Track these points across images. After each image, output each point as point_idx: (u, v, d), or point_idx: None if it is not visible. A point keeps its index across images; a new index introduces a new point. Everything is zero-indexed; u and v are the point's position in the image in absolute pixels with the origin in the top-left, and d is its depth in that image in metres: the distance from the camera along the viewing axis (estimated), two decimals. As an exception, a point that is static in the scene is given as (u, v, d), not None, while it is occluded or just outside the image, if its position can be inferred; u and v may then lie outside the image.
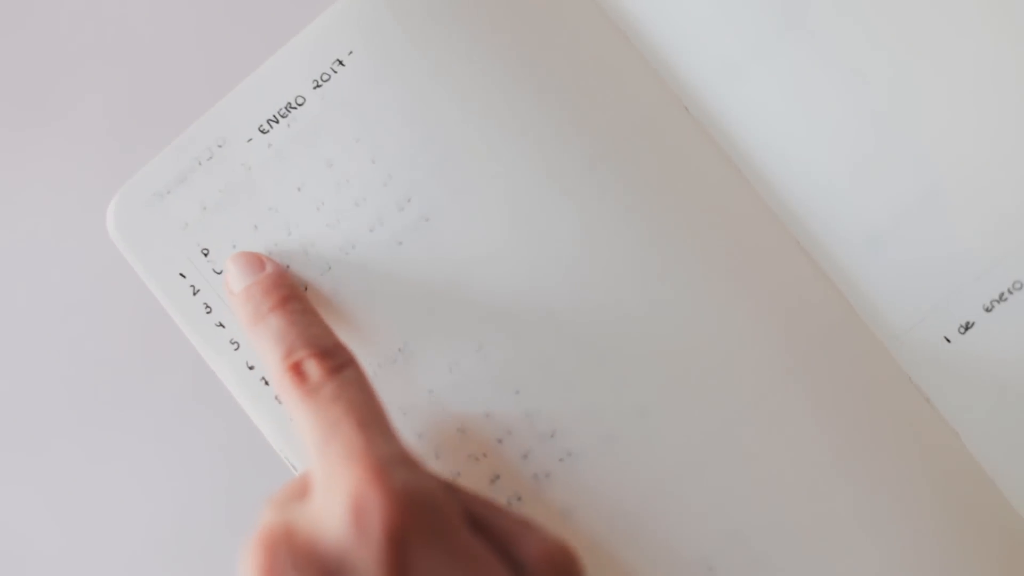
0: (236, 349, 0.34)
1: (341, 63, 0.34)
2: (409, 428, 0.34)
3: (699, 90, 0.35)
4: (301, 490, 0.29)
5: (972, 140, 0.33)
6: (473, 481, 0.34)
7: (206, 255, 0.35)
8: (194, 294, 0.35)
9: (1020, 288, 0.33)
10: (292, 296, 0.32)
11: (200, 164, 0.35)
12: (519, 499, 0.34)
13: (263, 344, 0.31)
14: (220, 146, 0.35)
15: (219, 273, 0.35)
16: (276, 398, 0.34)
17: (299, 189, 0.35)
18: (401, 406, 0.34)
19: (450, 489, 0.29)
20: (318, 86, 0.35)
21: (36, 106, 0.48)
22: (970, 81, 0.33)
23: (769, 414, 0.34)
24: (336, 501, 0.27)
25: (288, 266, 0.34)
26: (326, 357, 0.30)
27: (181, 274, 0.35)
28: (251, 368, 0.35)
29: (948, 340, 0.34)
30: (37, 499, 0.48)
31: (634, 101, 0.35)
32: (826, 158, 0.34)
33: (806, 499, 0.34)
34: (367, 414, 0.29)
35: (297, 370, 0.30)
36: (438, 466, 0.34)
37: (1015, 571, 0.34)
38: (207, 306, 0.35)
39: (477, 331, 0.34)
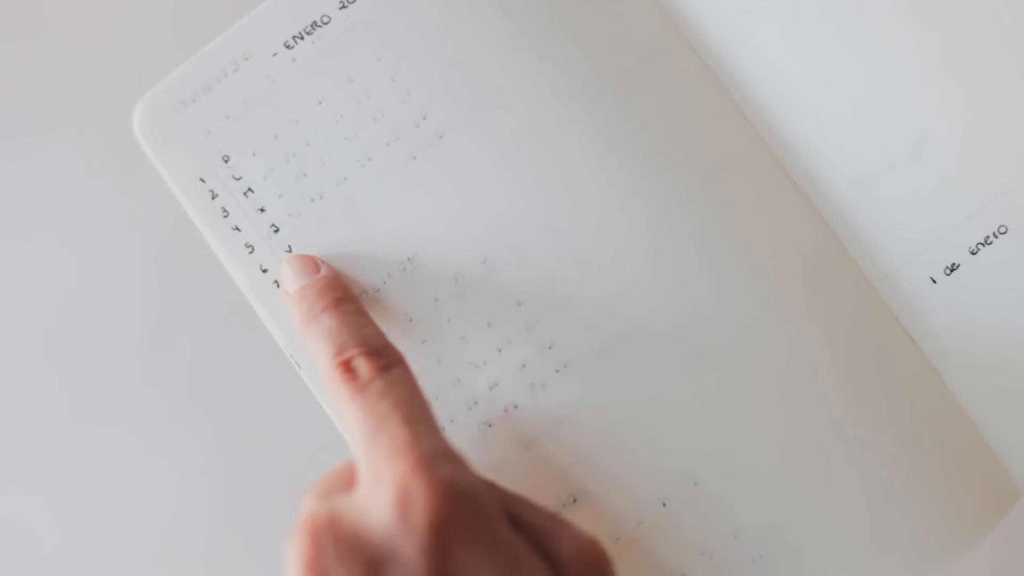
0: (251, 252, 0.36)
1: None
2: (414, 335, 0.35)
3: (706, 31, 0.36)
4: (346, 481, 0.30)
5: (964, 89, 0.35)
6: (472, 389, 0.35)
7: (226, 161, 0.36)
8: (213, 198, 0.36)
9: (1005, 232, 0.35)
10: (345, 297, 0.34)
11: (226, 75, 0.36)
12: (516, 407, 0.35)
13: (315, 342, 0.33)
14: (246, 59, 0.36)
15: (238, 180, 0.36)
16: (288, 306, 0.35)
17: (320, 103, 0.36)
18: (407, 312, 0.35)
19: (491, 486, 0.30)
20: (343, 7, 0.36)
21: (37, 108, 0.49)
22: (964, 32, 0.35)
23: (754, 343, 0.35)
24: (382, 493, 0.28)
25: (305, 175, 0.36)
26: (376, 356, 0.32)
27: (201, 179, 0.36)
28: (264, 271, 0.36)
29: (934, 281, 0.36)
30: (36, 500, 0.48)
31: (641, 38, 0.37)
32: (825, 100, 0.35)
33: (786, 423, 0.35)
34: (414, 411, 0.30)
35: (347, 367, 0.31)
36: (440, 371, 0.35)
37: (990, 509, 0.36)
38: (224, 210, 0.36)
39: (482, 245, 0.35)
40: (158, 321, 0.48)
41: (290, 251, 0.35)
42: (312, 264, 0.34)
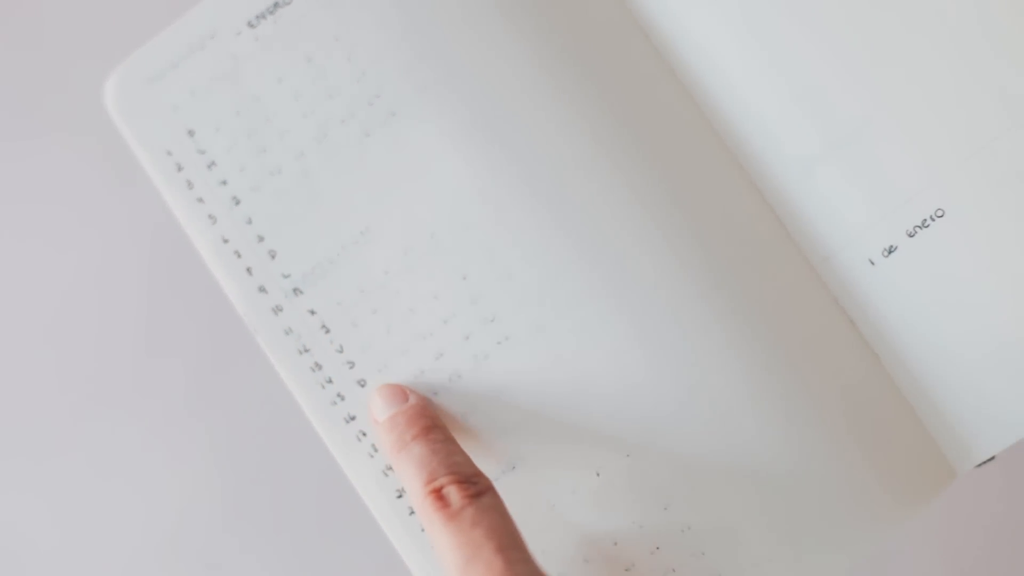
0: (213, 224, 0.38)
1: None
2: (364, 305, 0.37)
3: (652, 14, 0.37)
4: None
5: (904, 73, 0.35)
6: (419, 358, 0.37)
7: (192, 136, 0.38)
8: (178, 171, 0.38)
9: (942, 216, 0.35)
10: (434, 426, 0.35)
11: (192, 52, 0.38)
12: (459, 376, 0.37)
13: (406, 470, 0.34)
14: (211, 37, 0.38)
15: (202, 153, 0.38)
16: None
17: (280, 81, 0.37)
18: (359, 284, 0.37)
19: None
20: (305, -13, 0.38)
21: (32, 112, 0.50)
22: (904, 18, 0.35)
23: (688, 319, 0.36)
24: None
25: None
26: (466, 483, 0.33)
27: (168, 152, 0.38)
28: (226, 242, 0.37)
29: (872, 263, 0.36)
30: (33, 505, 0.49)
31: (598, 18, 0.38)
32: (766, 84, 0.36)
33: (719, 400, 0.36)
34: (506, 537, 0.32)
35: (439, 495, 0.33)
36: (389, 341, 0.37)
37: (924, 489, 0.36)
38: (189, 183, 0.38)
39: (430, 220, 0.37)
40: (154, 328, 0.49)
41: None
42: (401, 393, 0.36)
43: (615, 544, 0.36)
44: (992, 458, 0.36)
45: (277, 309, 0.37)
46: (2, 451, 0.48)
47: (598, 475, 0.36)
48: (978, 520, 0.51)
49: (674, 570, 0.36)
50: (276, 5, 0.38)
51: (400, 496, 0.36)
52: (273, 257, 0.37)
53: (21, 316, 0.49)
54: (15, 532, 0.49)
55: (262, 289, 0.37)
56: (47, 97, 0.49)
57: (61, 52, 0.49)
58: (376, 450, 0.37)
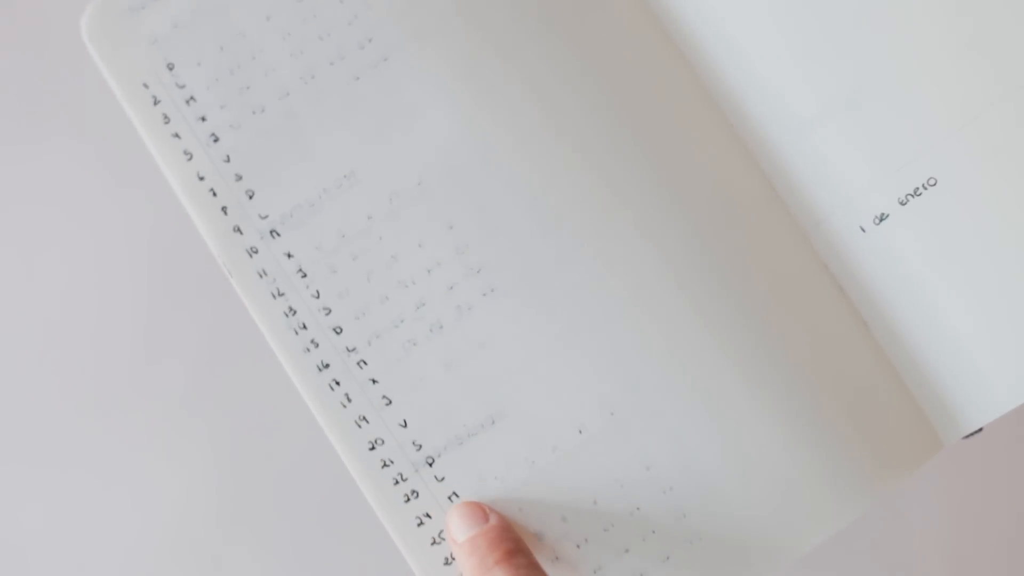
0: (189, 160, 0.36)
1: None
2: (346, 250, 0.36)
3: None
4: None
5: (902, 40, 0.35)
6: (399, 307, 0.35)
7: (171, 69, 0.36)
8: (155, 104, 0.36)
9: (934, 184, 0.35)
10: (517, 549, 0.33)
11: None
12: (440, 327, 0.35)
13: None
14: None
15: (181, 88, 0.36)
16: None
17: (268, 18, 0.36)
18: (340, 228, 0.36)
19: None
20: (298, -75, 0.37)
21: (29, 116, 0.49)
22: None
23: (679, 281, 0.35)
24: None
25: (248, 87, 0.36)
26: None
27: (144, 84, 0.36)
28: (201, 179, 0.36)
29: (863, 230, 0.36)
30: (32, 509, 0.49)
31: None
32: (766, 47, 0.36)
33: (704, 361, 0.35)
34: None
35: None
36: (368, 288, 0.35)
37: (908, 459, 0.36)
38: (166, 116, 0.36)
39: (418, 168, 0.36)
40: (153, 330, 0.49)
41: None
42: (481, 512, 0.34)
43: (595, 503, 0.35)
44: (980, 430, 0.35)
45: (252, 251, 0.36)
46: (2, 452, 0.47)
47: (580, 432, 0.35)
48: (974, 492, 0.51)
49: (654, 531, 0.35)
50: (267, -59, 0.37)
51: (386, 466, 0.35)
52: (251, 197, 0.36)
53: (20, 320, 0.48)
54: (15, 533, 0.47)
55: (237, 229, 0.36)
56: (46, 101, 0.48)
57: (61, 55, 0.48)
58: (349, 400, 0.35)
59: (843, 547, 0.50)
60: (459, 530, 0.34)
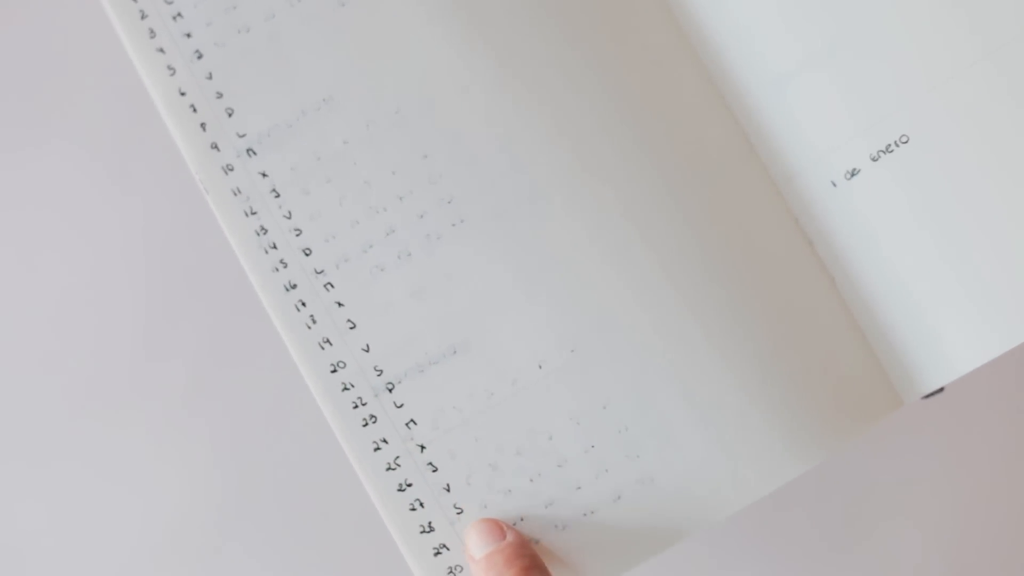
0: (172, 75, 0.36)
1: None
2: (320, 173, 0.36)
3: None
4: None
5: (884, -4, 0.35)
6: (368, 232, 0.36)
7: (160, -14, 0.37)
8: (142, 18, 0.37)
9: (906, 142, 0.35)
10: (533, 566, 0.34)
11: None
12: (409, 255, 0.36)
13: None
14: None
15: (169, 3, 0.37)
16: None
17: None
18: (315, 150, 0.36)
19: None
20: None
21: (28, 119, 0.50)
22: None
23: (649, 225, 0.36)
24: None
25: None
26: None
27: (133, -1, 0.37)
28: (183, 94, 0.36)
29: (834, 185, 0.36)
30: (33, 508, 0.49)
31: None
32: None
33: (668, 306, 0.35)
34: None
35: None
36: (340, 211, 0.36)
37: (865, 415, 0.36)
38: (152, 31, 0.36)
39: (397, 96, 0.36)
40: (153, 328, 0.49)
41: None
42: (498, 529, 0.35)
43: (550, 439, 0.35)
44: (941, 390, 0.35)
45: (228, 168, 0.36)
46: (2, 452, 0.48)
47: (540, 367, 0.35)
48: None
49: (607, 470, 0.35)
50: None
51: (346, 389, 0.35)
52: (230, 115, 0.36)
53: (20, 320, 0.49)
54: (14, 534, 0.48)
55: (214, 146, 0.36)
56: (45, 105, 0.49)
57: (61, 58, 0.49)
58: (314, 321, 0.36)
59: (845, 546, 0.51)
60: (477, 547, 0.34)
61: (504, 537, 0.34)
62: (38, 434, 0.49)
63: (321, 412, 0.35)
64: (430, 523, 0.35)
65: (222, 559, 0.49)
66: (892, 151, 0.35)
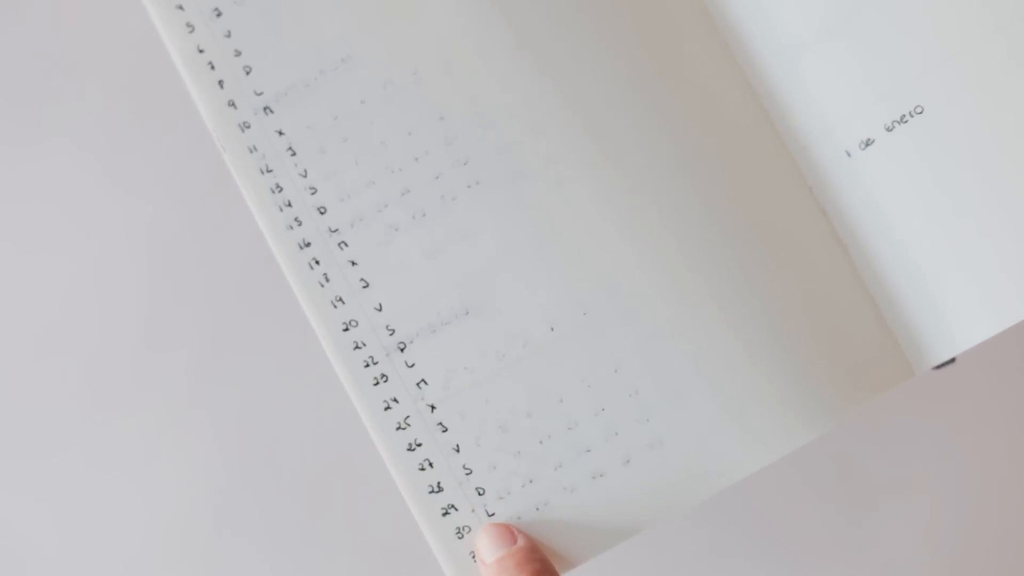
0: (191, 32, 0.36)
1: None
2: (336, 132, 0.36)
3: None
4: None
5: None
6: (384, 191, 0.36)
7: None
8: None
9: (920, 112, 0.35)
10: (544, 570, 0.34)
11: None
12: (424, 215, 0.36)
13: None
14: None
15: None
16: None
17: None
18: (332, 110, 0.36)
19: None
20: None
21: (28, 116, 0.50)
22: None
23: (664, 191, 0.36)
24: None
25: None
26: None
27: (154, -43, 0.37)
28: (201, 52, 0.36)
29: (848, 154, 0.36)
30: (35, 503, 0.49)
31: None
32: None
33: (682, 271, 0.36)
34: None
35: None
36: (356, 171, 0.36)
37: (875, 384, 0.36)
38: None
39: (415, 56, 0.36)
40: (155, 322, 0.49)
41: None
42: (509, 534, 0.35)
43: (560, 401, 0.35)
44: (952, 361, 0.36)
45: (244, 125, 0.36)
46: (4, 449, 0.48)
47: (552, 330, 0.35)
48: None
49: (617, 433, 0.35)
50: None
51: (358, 348, 0.35)
52: (248, 73, 0.36)
53: (22, 316, 0.49)
54: (17, 529, 0.48)
55: (232, 104, 0.36)
56: (45, 102, 0.49)
57: (60, 58, 0.49)
58: (327, 279, 0.36)
59: (844, 547, 0.51)
60: (487, 551, 0.34)
61: (515, 542, 0.34)
62: (41, 426, 0.49)
63: (321, 405, 0.35)
64: (439, 483, 0.35)
65: (223, 549, 0.49)
66: (907, 121, 0.36)
